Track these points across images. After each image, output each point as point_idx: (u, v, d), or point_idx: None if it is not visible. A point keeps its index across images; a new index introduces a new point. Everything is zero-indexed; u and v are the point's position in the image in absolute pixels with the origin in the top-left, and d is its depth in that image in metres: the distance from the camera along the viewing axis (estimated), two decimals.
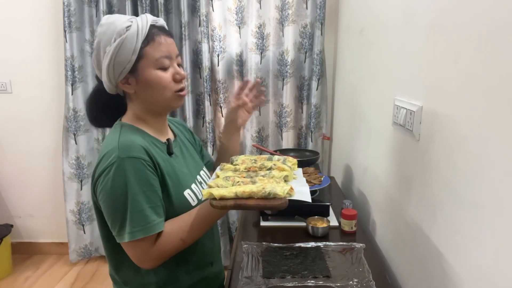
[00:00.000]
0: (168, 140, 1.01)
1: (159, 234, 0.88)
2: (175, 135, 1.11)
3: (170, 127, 1.12)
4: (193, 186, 1.02)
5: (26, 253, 2.80)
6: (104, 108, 1.02)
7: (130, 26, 0.89)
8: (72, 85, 2.38)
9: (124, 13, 2.24)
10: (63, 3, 2.27)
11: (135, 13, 2.27)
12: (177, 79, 0.95)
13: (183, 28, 2.25)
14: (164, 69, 0.93)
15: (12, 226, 2.62)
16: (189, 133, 1.22)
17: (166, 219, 0.91)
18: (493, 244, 0.71)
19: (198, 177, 1.08)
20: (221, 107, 2.40)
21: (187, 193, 0.98)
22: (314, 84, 2.28)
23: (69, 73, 2.36)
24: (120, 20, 0.91)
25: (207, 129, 2.36)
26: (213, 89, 2.38)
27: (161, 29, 0.95)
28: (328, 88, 2.37)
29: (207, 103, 2.32)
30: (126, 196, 0.85)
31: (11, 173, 2.70)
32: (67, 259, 2.70)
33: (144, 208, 0.86)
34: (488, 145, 0.73)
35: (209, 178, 1.15)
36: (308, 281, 1.06)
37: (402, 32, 1.18)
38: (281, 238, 1.33)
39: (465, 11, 0.81)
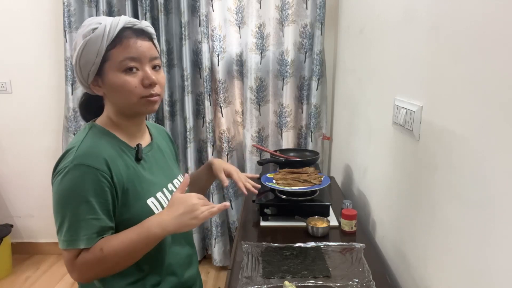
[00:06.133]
0: (138, 145, 0.98)
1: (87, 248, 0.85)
2: (152, 138, 1.08)
3: (149, 130, 1.09)
4: (159, 194, 0.99)
5: (26, 253, 2.80)
6: (96, 105, 1.00)
7: (96, 28, 0.88)
8: (72, 85, 2.38)
9: (124, 13, 2.25)
10: (63, 3, 2.27)
11: (135, 13, 2.27)
12: (145, 84, 0.90)
13: (183, 28, 2.25)
14: (131, 72, 0.89)
15: (12, 226, 2.62)
16: (169, 142, 1.20)
17: (126, 227, 0.88)
18: (493, 244, 0.71)
19: (169, 185, 1.05)
20: (221, 107, 2.40)
21: (150, 201, 0.95)
22: (314, 84, 2.28)
23: (69, 73, 2.36)
24: (92, 23, 0.90)
25: (207, 129, 2.36)
26: (213, 89, 2.38)
27: (136, 31, 0.91)
28: (328, 88, 2.37)
29: (207, 103, 2.32)
30: (67, 204, 0.84)
31: (11, 173, 2.70)
32: None
33: (80, 219, 0.84)
34: (488, 145, 0.73)
35: None
36: (308, 281, 1.06)
37: (402, 32, 1.18)
38: (281, 238, 1.33)
39: (465, 11, 0.81)
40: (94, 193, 0.85)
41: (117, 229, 0.90)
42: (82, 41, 0.88)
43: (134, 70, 0.90)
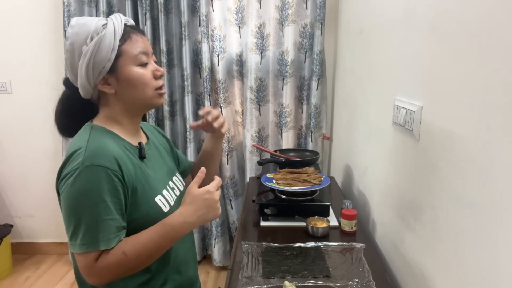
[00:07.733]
0: (140, 143, 0.98)
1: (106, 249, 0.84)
2: (147, 138, 1.08)
3: (143, 130, 1.09)
4: (165, 192, 0.99)
5: (26, 253, 2.80)
6: (75, 116, 0.98)
7: (106, 24, 0.89)
8: None
9: (124, 13, 2.24)
10: (63, 3, 2.27)
11: (135, 13, 2.27)
12: (157, 76, 0.96)
13: (183, 28, 2.25)
14: (143, 66, 0.93)
15: (12, 226, 2.62)
16: (162, 138, 1.19)
17: (135, 226, 0.88)
18: (494, 243, 0.71)
19: (170, 182, 1.05)
20: (221, 107, 2.40)
21: (158, 199, 0.95)
22: (314, 84, 2.28)
23: None
24: (93, 20, 0.90)
25: None
26: (213, 89, 2.38)
27: (134, 27, 0.96)
28: (328, 88, 2.37)
29: (207, 103, 2.32)
30: (82, 206, 0.83)
31: (11, 173, 2.70)
32: (67, 259, 2.70)
33: (98, 220, 0.83)
34: (488, 145, 0.73)
35: (182, 184, 1.13)
36: (308, 281, 1.06)
37: (402, 32, 1.18)
38: (281, 238, 1.33)
39: (465, 11, 0.81)
40: (109, 193, 0.84)
41: (127, 228, 0.89)
42: (95, 38, 0.87)
43: (145, 64, 0.94)
